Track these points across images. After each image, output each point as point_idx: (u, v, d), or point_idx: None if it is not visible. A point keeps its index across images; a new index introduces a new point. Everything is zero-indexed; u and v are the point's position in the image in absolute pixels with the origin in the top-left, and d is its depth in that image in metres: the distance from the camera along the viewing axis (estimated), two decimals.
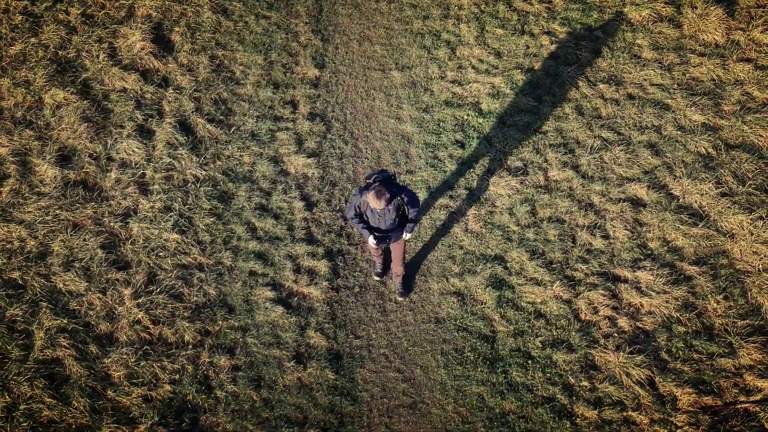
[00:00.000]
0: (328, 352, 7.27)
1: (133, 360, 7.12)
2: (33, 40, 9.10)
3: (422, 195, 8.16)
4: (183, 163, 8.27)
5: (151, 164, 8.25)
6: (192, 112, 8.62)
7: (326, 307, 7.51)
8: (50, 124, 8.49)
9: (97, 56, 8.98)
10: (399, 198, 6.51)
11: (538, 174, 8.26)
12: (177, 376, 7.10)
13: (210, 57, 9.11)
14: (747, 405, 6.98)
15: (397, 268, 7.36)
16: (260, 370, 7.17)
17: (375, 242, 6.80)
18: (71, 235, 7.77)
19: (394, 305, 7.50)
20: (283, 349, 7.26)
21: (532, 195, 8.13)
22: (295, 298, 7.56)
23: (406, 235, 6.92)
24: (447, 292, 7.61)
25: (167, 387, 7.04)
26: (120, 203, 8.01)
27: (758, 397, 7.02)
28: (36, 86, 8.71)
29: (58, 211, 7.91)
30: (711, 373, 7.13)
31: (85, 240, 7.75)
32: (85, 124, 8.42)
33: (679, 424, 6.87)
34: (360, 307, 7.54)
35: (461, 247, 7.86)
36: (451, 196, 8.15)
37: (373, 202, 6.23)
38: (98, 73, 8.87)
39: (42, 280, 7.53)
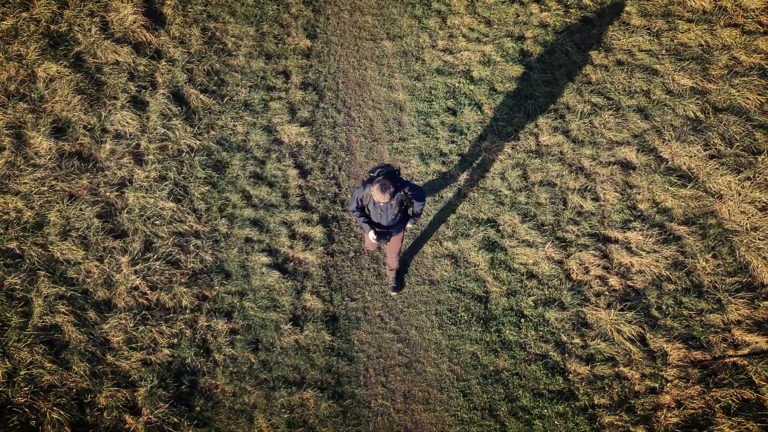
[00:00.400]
0: (325, 315, 7.37)
1: (131, 325, 7.21)
2: (24, 14, 9.11)
3: (414, 161, 8.25)
4: (177, 133, 8.33)
5: (146, 135, 8.30)
6: (185, 83, 8.68)
7: (322, 272, 7.61)
8: (44, 96, 8.53)
9: (89, 30, 9.00)
10: (402, 193, 6.46)
11: (529, 139, 8.36)
12: (175, 340, 7.19)
13: (202, 29, 9.15)
14: (735, 359, 7.13)
15: (392, 262, 7.31)
16: (257, 333, 7.27)
17: (375, 237, 6.76)
18: (67, 205, 7.83)
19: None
20: (280, 312, 7.37)
21: (524, 160, 8.23)
22: (291, 263, 7.66)
23: (409, 225, 6.87)
24: (440, 255, 7.72)
25: (166, 351, 7.13)
26: (115, 173, 8.07)
27: (746, 351, 7.17)
28: (29, 60, 8.73)
29: (53, 182, 7.96)
30: (700, 329, 7.28)
31: (81, 210, 7.81)
32: (79, 97, 8.47)
33: (670, 378, 7.02)
34: (355, 270, 7.64)
35: (454, 212, 7.96)
36: (443, 162, 8.24)
37: (377, 195, 6.16)
38: (90, 46, 8.90)
39: (39, 250, 7.60)
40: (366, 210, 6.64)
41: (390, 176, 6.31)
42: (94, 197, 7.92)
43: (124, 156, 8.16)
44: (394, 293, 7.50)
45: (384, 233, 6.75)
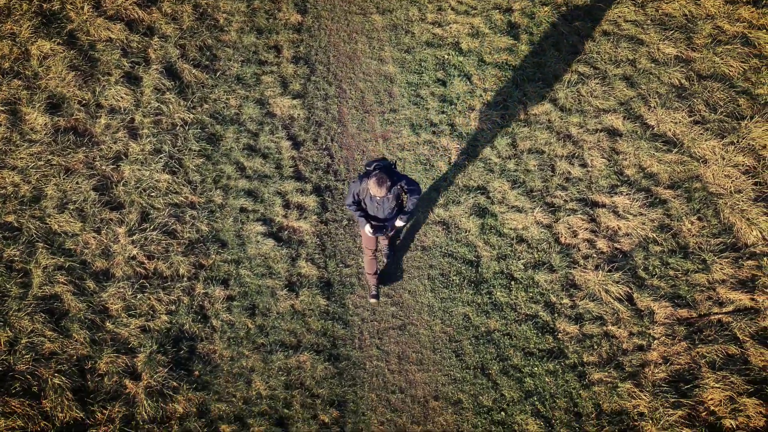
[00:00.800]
0: (319, 281, 7.53)
1: (129, 293, 7.35)
2: None
3: (405, 132, 8.39)
4: (171, 107, 8.44)
5: (140, 109, 8.42)
6: (178, 58, 8.79)
7: (316, 239, 7.76)
8: (38, 74, 8.62)
9: (82, 8, 9.08)
10: (399, 186, 6.45)
11: (518, 108, 8.51)
12: (173, 307, 7.34)
13: (193, 6, 9.24)
14: (720, 316, 7.32)
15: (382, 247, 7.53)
16: (254, 299, 7.42)
17: (372, 231, 6.72)
18: (64, 178, 7.94)
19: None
20: (276, 278, 7.52)
21: (513, 128, 8.39)
22: (286, 232, 7.80)
23: (399, 223, 6.87)
24: (432, 221, 7.88)
25: (164, 317, 7.28)
26: (111, 147, 8.19)
27: (730, 308, 7.37)
28: (22, 38, 8.82)
29: (50, 157, 8.07)
30: (686, 288, 7.46)
31: (77, 183, 7.93)
32: (73, 73, 8.56)
33: (657, 336, 7.21)
34: (349, 238, 7.79)
35: (445, 179, 8.12)
36: (434, 132, 8.39)
37: (374, 189, 6.16)
38: (83, 24, 8.99)
39: (37, 222, 7.71)
40: (362, 204, 6.63)
41: (386, 170, 6.30)
42: (90, 171, 8.03)
43: (119, 130, 8.27)
44: (387, 260, 7.65)
45: (380, 227, 6.75)
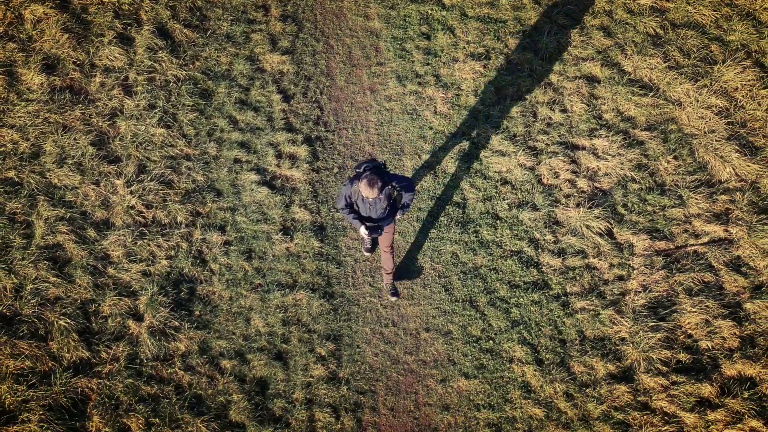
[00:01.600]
0: (313, 225, 7.83)
1: (130, 240, 7.62)
2: None
3: (392, 83, 8.68)
4: (164, 65, 8.69)
5: (133, 68, 8.66)
6: (169, 19, 9.02)
7: (308, 187, 8.05)
8: (32, 37, 8.83)
9: None
10: (390, 186, 6.49)
11: (500, 58, 8.82)
12: (173, 253, 7.62)
13: None
14: (696, 247, 7.68)
15: (386, 262, 7.23)
16: (250, 244, 7.71)
17: (367, 232, 6.78)
18: (62, 135, 8.18)
19: None
20: (271, 224, 7.81)
21: (495, 77, 8.69)
22: (279, 180, 8.09)
23: (398, 216, 6.86)
24: (419, 167, 8.18)
25: (164, 262, 7.56)
26: (106, 104, 8.43)
27: (705, 239, 7.73)
28: (15, 3, 9.02)
29: (47, 115, 8.31)
30: (663, 222, 7.82)
31: (75, 139, 8.17)
32: (67, 35, 8.78)
33: (636, 266, 7.56)
34: (339, 185, 8.09)
35: (431, 128, 8.42)
36: (419, 83, 8.68)
37: (365, 191, 6.16)
38: None
39: (37, 177, 7.96)
40: (355, 206, 6.68)
41: (376, 171, 6.32)
42: (87, 127, 8.28)
43: (113, 88, 8.51)
44: (393, 298, 7.43)
45: (375, 227, 6.78)
